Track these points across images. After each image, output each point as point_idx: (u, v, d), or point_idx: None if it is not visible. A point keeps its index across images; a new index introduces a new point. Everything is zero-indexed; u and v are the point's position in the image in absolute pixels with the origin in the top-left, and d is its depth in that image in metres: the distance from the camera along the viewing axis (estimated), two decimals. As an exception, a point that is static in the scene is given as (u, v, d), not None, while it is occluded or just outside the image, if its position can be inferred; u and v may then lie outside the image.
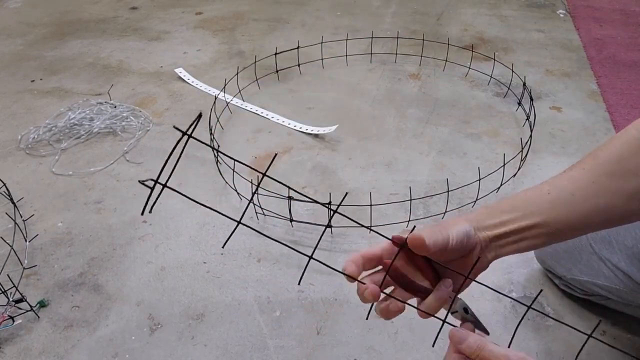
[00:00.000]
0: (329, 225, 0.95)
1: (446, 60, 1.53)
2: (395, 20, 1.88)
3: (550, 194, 0.51)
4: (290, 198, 0.94)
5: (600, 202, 0.50)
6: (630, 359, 0.76)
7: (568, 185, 0.51)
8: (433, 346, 0.52)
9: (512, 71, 1.40)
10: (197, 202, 0.36)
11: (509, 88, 1.40)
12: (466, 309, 0.49)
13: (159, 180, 0.33)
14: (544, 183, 0.53)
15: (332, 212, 0.85)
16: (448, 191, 0.99)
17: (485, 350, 0.43)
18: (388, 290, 0.50)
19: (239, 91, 1.40)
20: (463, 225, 0.49)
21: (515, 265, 0.90)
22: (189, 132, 0.34)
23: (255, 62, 1.47)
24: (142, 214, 0.35)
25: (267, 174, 0.39)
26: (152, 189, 0.34)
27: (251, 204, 1.01)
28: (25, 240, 0.97)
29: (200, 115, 0.36)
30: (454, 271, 0.48)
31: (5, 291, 0.83)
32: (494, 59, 1.49)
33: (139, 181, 0.34)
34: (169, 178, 0.35)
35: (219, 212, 0.37)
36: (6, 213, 1.02)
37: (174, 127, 0.35)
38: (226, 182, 1.09)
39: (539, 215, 0.50)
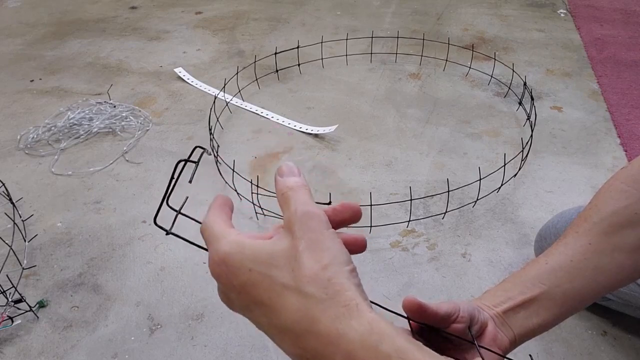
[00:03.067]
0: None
1: (446, 60, 1.52)
2: (395, 20, 1.88)
3: (548, 264, 0.50)
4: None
5: (601, 262, 0.49)
6: (631, 359, 0.76)
7: (565, 251, 0.50)
8: None
9: (513, 71, 1.39)
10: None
11: (509, 88, 1.40)
12: None
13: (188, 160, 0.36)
14: (542, 255, 0.52)
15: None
16: (448, 191, 0.98)
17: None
18: None
19: (239, 91, 1.40)
20: (471, 303, 0.46)
21: (515, 265, 0.90)
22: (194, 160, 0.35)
23: (255, 61, 1.47)
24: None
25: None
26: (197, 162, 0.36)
27: (251, 204, 1.00)
28: (25, 241, 0.96)
29: (203, 149, 0.37)
30: (470, 341, 0.43)
31: (4, 291, 0.83)
32: (495, 59, 1.48)
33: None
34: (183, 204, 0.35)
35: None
36: (5, 213, 1.01)
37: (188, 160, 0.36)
38: (226, 182, 1.09)
39: (541, 287, 0.48)
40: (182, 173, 0.36)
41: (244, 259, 0.29)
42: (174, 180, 0.35)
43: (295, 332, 0.27)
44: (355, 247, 0.34)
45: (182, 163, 0.36)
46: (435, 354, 0.27)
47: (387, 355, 0.25)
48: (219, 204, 0.34)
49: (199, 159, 0.36)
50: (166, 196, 0.34)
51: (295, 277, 0.28)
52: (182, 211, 0.34)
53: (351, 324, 0.26)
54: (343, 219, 0.33)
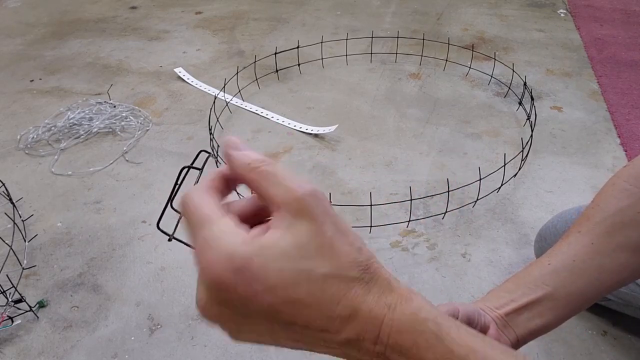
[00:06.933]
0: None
1: (446, 60, 1.52)
2: (395, 19, 1.88)
3: (551, 264, 0.50)
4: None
5: (604, 262, 0.49)
6: (631, 359, 0.76)
7: (567, 251, 0.50)
8: None
9: (513, 71, 1.39)
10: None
11: (509, 88, 1.40)
12: None
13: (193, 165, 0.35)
14: (544, 256, 0.52)
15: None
16: (448, 191, 0.98)
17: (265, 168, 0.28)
18: None
19: (239, 91, 1.40)
20: (471, 305, 0.46)
21: (515, 265, 0.90)
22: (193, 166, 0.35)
23: (255, 61, 1.47)
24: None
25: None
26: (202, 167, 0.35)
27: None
28: (25, 241, 0.96)
29: (208, 154, 0.36)
30: None
31: (4, 291, 0.83)
32: (495, 59, 1.48)
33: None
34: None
35: None
36: (5, 213, 1.01)
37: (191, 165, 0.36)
38: (226, 182, 1.09)
39: (544, 288, 0.48)
40: (185, 177, 0.36)
41: (268, 260, 0.26)
42: (177, 186, 0.35)
43: (343, 316, 0.26)
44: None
45: (186, 170, 0.35)
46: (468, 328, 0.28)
47: (424, 320, 0.27)
48: (210, 180, 0.30)
49: (203, 165, 0.36)
50: (170, 200, 0.34)
51: (336, 265, 0.26)
52: None
53: (391, 299, 0.27)
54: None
